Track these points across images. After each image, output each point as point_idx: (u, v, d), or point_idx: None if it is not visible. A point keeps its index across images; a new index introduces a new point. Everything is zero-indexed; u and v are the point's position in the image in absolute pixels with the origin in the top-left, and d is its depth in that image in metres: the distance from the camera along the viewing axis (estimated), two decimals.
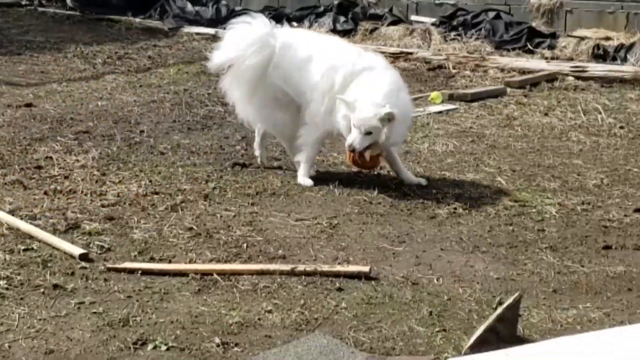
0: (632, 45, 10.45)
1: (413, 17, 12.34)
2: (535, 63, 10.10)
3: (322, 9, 12.75)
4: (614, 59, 10.42)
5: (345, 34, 12.17)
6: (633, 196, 5.28)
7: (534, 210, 4.99)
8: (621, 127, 7.17)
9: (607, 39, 10.83)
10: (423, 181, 5.51)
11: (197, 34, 12.14)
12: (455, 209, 5.00)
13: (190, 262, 4.11)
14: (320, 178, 5.57)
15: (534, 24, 11.40)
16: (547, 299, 3.80)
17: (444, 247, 4.39)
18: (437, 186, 5.47)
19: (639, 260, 4.20)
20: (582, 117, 7.51)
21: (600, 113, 7.64)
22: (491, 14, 11.59)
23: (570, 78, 9.64)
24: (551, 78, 9.60)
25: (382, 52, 10.69)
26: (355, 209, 4.99)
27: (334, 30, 12.22)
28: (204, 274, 3.93)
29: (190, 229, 4.55)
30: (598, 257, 4.26)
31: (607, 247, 4.36)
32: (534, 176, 5.71)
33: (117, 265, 4.03)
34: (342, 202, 5.12)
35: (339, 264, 4.12)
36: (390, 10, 12.45)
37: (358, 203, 5.11)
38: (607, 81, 9.44)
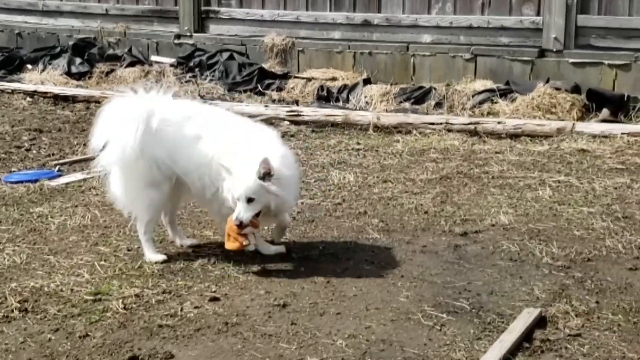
0: (354, 86, 10.47)
1: (153, 58, 12.01)
2: (254, 107, 9.94)
3: (58, 49, 12.21)
4: (337, 99, 10.42)
5: (80, 76, 11.72)
6: (210, 281, 5.00)
7: (100, 308, 4.60)
8: None
9: (334, 79, 10.82)
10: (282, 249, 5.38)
11: None
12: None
13: None
14: None
15: (268, 65, 11.28)
16: None
17: None
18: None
19: None
20: None
21: None
22: (225, 55, 11.40)
23: (286, 122, 9.55)
24: (267, 123, 9.44)
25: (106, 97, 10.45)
26: None
27: (69, 73, 11.75)
28: None
29: None
30: None
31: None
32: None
33: None
34: None
35: None
36: (130, 50, 12.07)
37: None
38: (319, 125, 9.39)
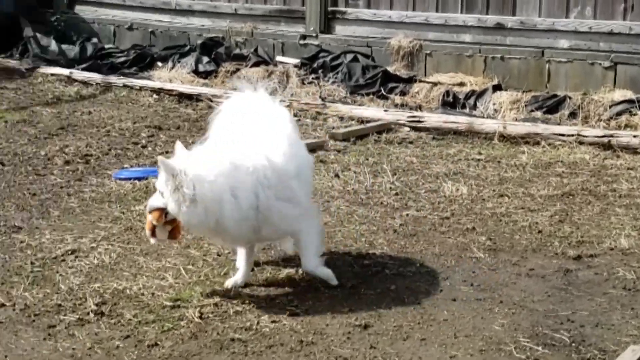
0: (483, 92, 9.99)
1: (278, 58, 11.88)
2: (374, 111, 9.62)
3: (187, 48, 12.29)
4: (463, 106, 9.96)
5: (207, 75, 11.76)
6: (293, 294, 4.75)
7: (176, 315, 4.42)
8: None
9: (462, 84, 10.37)
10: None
11: (52, 74, 11.71)
12: None
13: None
14: None
15: (392, 68, 10.93)
16: None
17: None
18: None
19: None
20: (363, 181, 7.03)
21: (387, 176, 7.17)
22: (349, 56, 11.14)
23: (406, 128, 9.18)
24: (386, 128, 9.15)
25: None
26: None
27: (196, 72, 11.80)
28: None
29: None
30: None
31: None
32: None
33: None
34: None
35: None
36: (256, 50, 12.01)
37: None
38: (441, 132, 8.97)
